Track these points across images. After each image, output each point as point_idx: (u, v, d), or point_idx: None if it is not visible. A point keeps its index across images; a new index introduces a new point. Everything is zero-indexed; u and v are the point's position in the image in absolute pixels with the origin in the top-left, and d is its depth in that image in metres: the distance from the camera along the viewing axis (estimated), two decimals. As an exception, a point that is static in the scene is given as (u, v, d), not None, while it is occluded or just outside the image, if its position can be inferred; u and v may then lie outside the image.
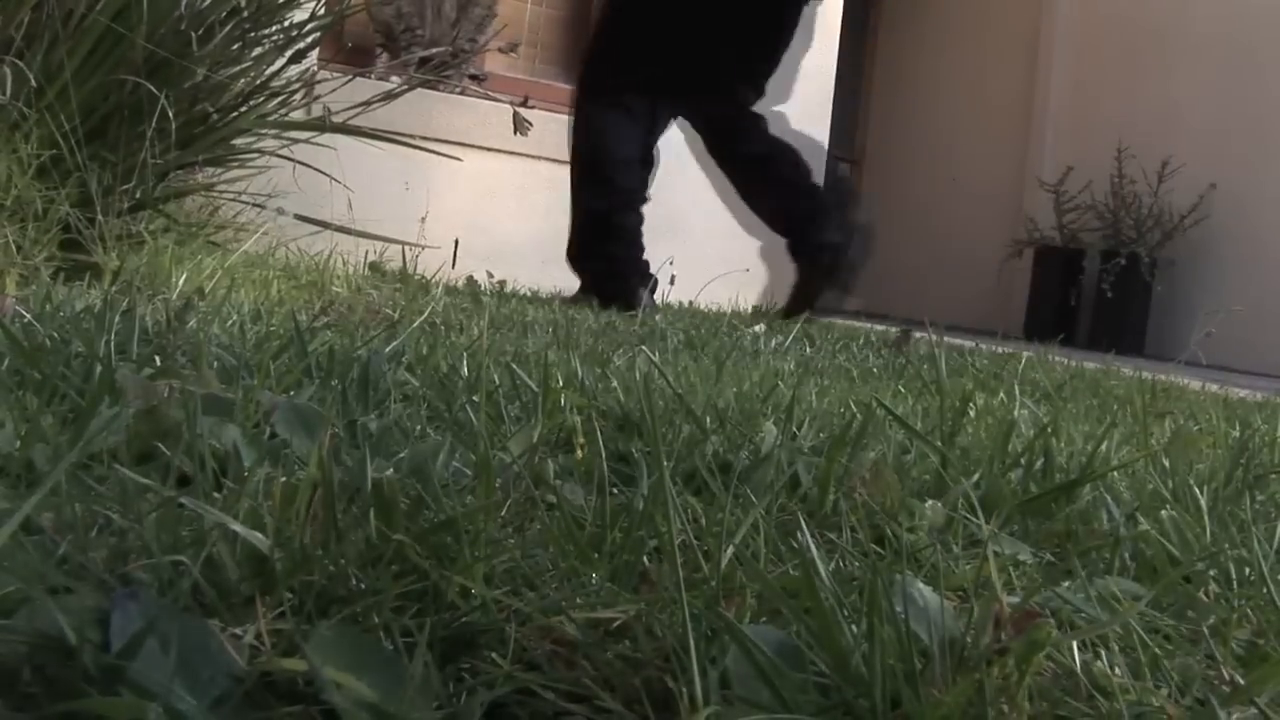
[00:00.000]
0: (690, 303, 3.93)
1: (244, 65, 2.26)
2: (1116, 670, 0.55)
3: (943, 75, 7.78)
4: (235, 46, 2.21)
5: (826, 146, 5.29)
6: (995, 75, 7.52)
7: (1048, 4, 7.24)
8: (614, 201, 3.34)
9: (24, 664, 0.44)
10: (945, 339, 2.73)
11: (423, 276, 3.23)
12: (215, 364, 1.08)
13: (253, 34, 2.24)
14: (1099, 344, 5.40)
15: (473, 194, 4.04)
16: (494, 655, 0.52)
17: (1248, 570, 0.76)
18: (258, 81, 2.31)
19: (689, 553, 0.61)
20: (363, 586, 0.55)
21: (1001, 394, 1.78)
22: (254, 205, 2.47)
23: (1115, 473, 1.06)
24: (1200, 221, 6.20)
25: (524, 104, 2.83)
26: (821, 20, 5.24)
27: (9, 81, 1.85)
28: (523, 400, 1.15)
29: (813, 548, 0.56)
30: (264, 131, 2.36)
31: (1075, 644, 0.55)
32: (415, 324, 1.64)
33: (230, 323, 1.46)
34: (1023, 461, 1.01)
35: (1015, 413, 1.37)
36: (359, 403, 1.04)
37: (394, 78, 2.63)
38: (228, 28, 2.14)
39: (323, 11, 2.44)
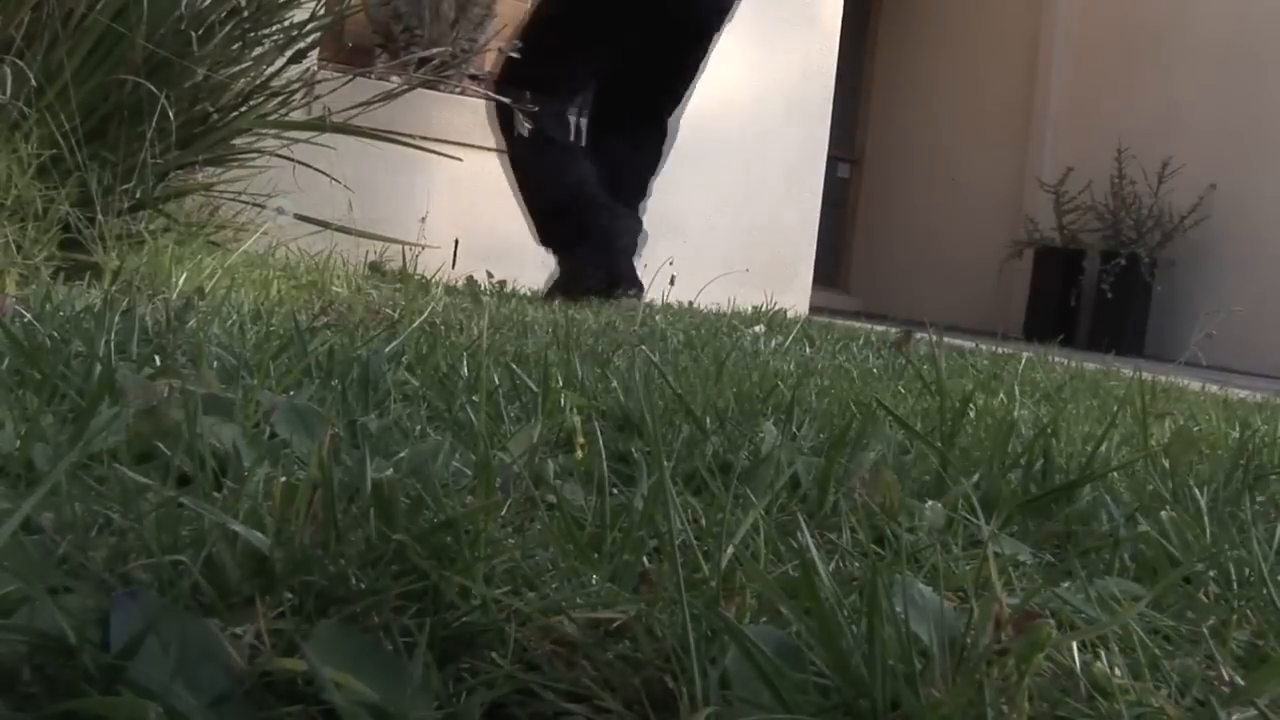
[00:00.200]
0: (690, 303, 3.93)
1: (244, 65, 2.25)
2: (1116, 671, 0.55)
3: (943, 75, 7.78)
4: (235, 46, 2.21)
5: (826, 146, 5.29)
6: (995, 76, 7.52)
7: (1048, 4, 7.25)
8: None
9: (24, 664, 0.44)
10: (945, 339, 2.73)
11: (423, 276, 3.23)
12: (215, 364, 1.08)
13: (253, 34, 2.24)
14: (1099, 344, 5.41)
15: (473, 194, 4.04)
16: (494, 655, 0.52)
17: (1247, 571, 0.76)
18: (258, 81, 2.31)
19: (689, 553, 0.61)
20: (363, 586, 0.55)
21: (1001, 395, 1.78)
22: (254, 205, 2.47)
23: (1115, 473, 1.06)
24: (1200, 222, 6.21)
25: (524, 104, 2.83)
26: (821, 20, 5.25)
27: (9, 81, 1.85)
28: (523, 400, 1.15)
29: (813, 548, 0.56)
30: (264, 131, 2.36)
31: (1075, 644, 0.55)
32: (415, 324, 1.64)
33: (230, 323, 1.46)
34: (1023, 462, 1.01)
35: (1015, 413, 1.37)
36: (359, 403, 1.04)
37: (394, 78, 2.63)
38: (228, 28, 2.14)
39: (323, 11, 2.44)
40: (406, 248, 3.24)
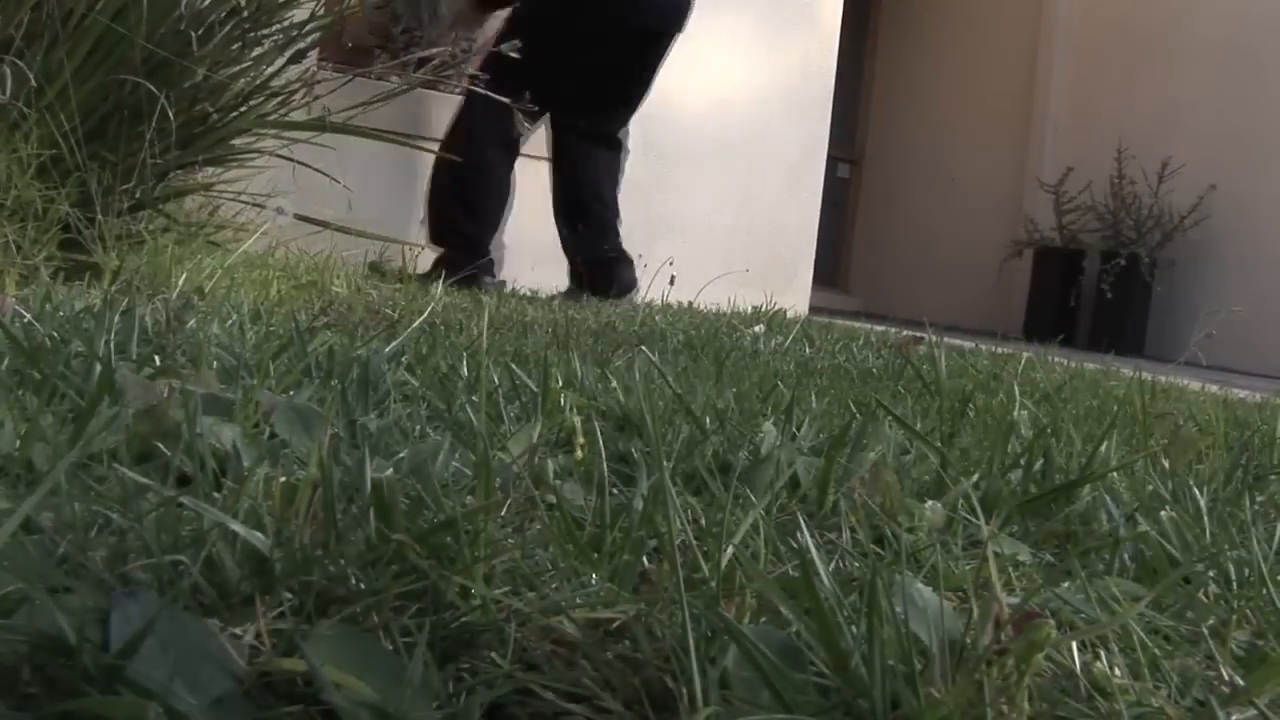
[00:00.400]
0: (690, 303, 3.93)
1: (244, 65, 2.25)
2: (1116, 671, 0.55)
3: (943, 75, 7.78)
4: (235, 46, 2.21)
5: (826, 146, 5.29)
6: (995, 76, 7.52)
7: (1048, 5, 7.25)
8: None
9: (24, 664, 0.44)
10: (945, 339, 2.73)
11: (423, 276, 3.23)
12: (215, 364, 1.08)
13: (253, 34, 2.24)
14: (1099, 344, 5.41)
15: (472, 194, 4.03)
16: (494, 655, 0.52)
17: (1247, 571, 0.76)
18: (257, 82, 2.30)
19: (689, 553, 0.61)
20: (362, 586, 0.55)
21: (1001, 395, 1.78)
22: (254, 205, 2.47)
23: (1115, 473, 1.06)
24: (1200, 222, 6.21)
25: (523, 104, 2.83)
26: (821, 20, 5.25)
27: (9, 81, 1.85)
28: (522, 400, 1.15)
29: (812, 548, 0.56)
30: (264, 131, 2.35)
31: (1075, 644, 0.55)
32: (415, 324, 1.64)
33: (230, 323, 1.46)
34: (1022, 462, 1.01)
35: (1015, 413, 1.37)
36: (359, 403, 1.04)
37: (394, 78, 2.62)
38: (228, 28, 2.14)
39: (322, 11, 2.43)
40: (406, 248, 3.24)
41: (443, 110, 3.99)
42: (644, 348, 1.75)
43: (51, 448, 0.72)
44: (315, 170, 2.56)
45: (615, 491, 0.82)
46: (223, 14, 2.13)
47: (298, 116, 2.37)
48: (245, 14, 2.19)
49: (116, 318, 1.20)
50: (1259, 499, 1.07)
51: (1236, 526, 0.90)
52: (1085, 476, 0.96)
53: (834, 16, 5.29)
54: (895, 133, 8.09)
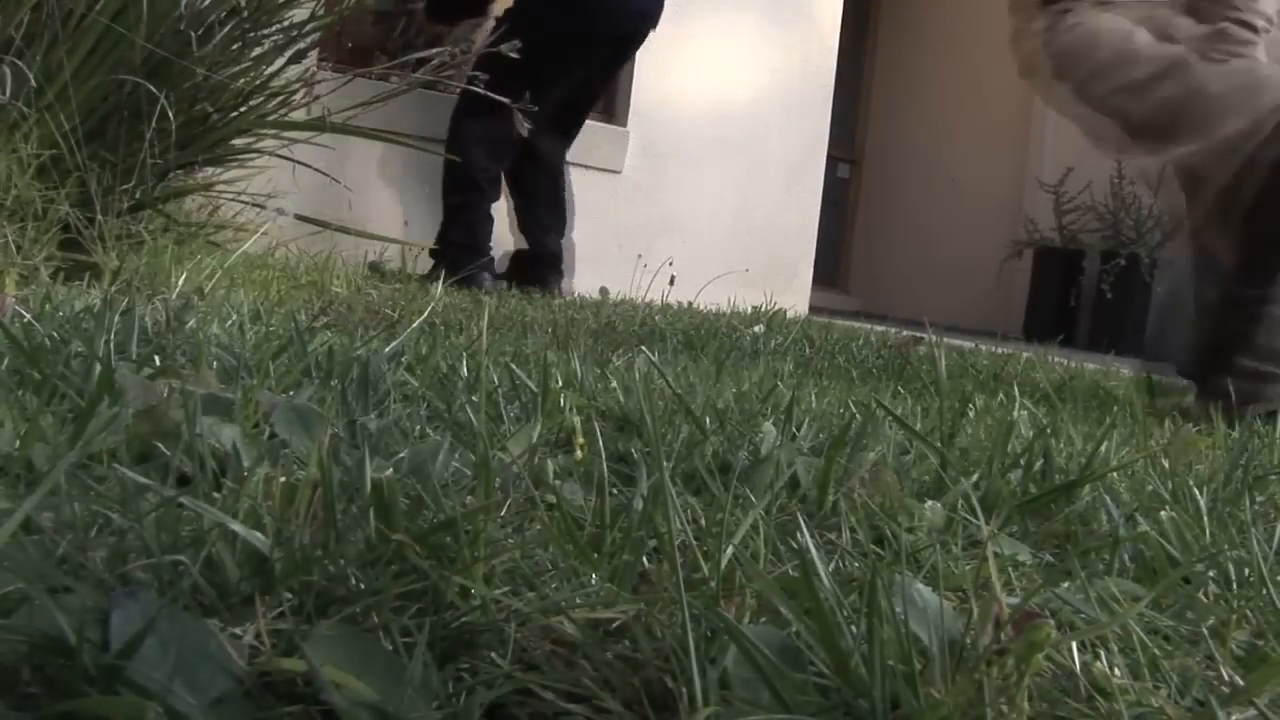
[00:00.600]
0: (690, 303, 3.93)
1: (244, 65, 2.25)
2: (1116, 671, 0.55)
3: (943, 75, 7.78)
4: (235, 46, 2.21)
5: (826, 146, 5.29)
6: (995, 75, 7.51)
7: (1048, 5, 7.23)
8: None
9: (24, 664, 0.44)
10: (945, 339, 2.73)
11: (423, 276, 3.23)
12: (215, 364, 1.08)
13: (252, 34, 2.24)
14: (1099, 345, 5.41)
15: (472, 194, 4.04)
16: (494, 655, 0.52)
17: (1247, 571, 0.76)
18: (257, 82, 2.30)
19: (689, 553, 0.61)
20: (362, 586, 0.55)
21: (1001, 395, 1.78)
22: (254, 205, 2.47)
23: (1115, 474, 1.06)
24: (1200, 222, 6.19)
25: (524, 104, 2.83)
26: (821, 20, 5.25)
27: (9, 81, 1.85)
28: (522, 400, 1.15)
29: (812, 548, 0.56)
30: (264, 131, 2.35)
31: (1075, 644, 0.55)
32: (415, 324, 1.64)
33: (230, 323, 1.46)
34: (1022, 462, 1.01)
35: (1015, 413, 1.37)
36: (359, 403, 1.04)
37: (394, 78, 2.62)
38: (227, 28, 2.14)
39: (322, 11, 2.43)
40: (406, 248, 3.25)
41: (443, 110, 3.99)
42: (644, 348, 1.75)
43: (51, 448, 0.72)
44: (315, 170, 2.56)
45: (615, 491, 0.82)
46: (223, 14, 2.13)
47: (298, 116, 2.37)
48: (245, 14, 2.19)
49: (116, 318, 1.20)
50: (1259, 499, 1.07)
51: (1236, 526, 0.90)
52: (1085, 476, 0.96)
53: (834, 16, 5.29)
54: (895, 133, 8.08)
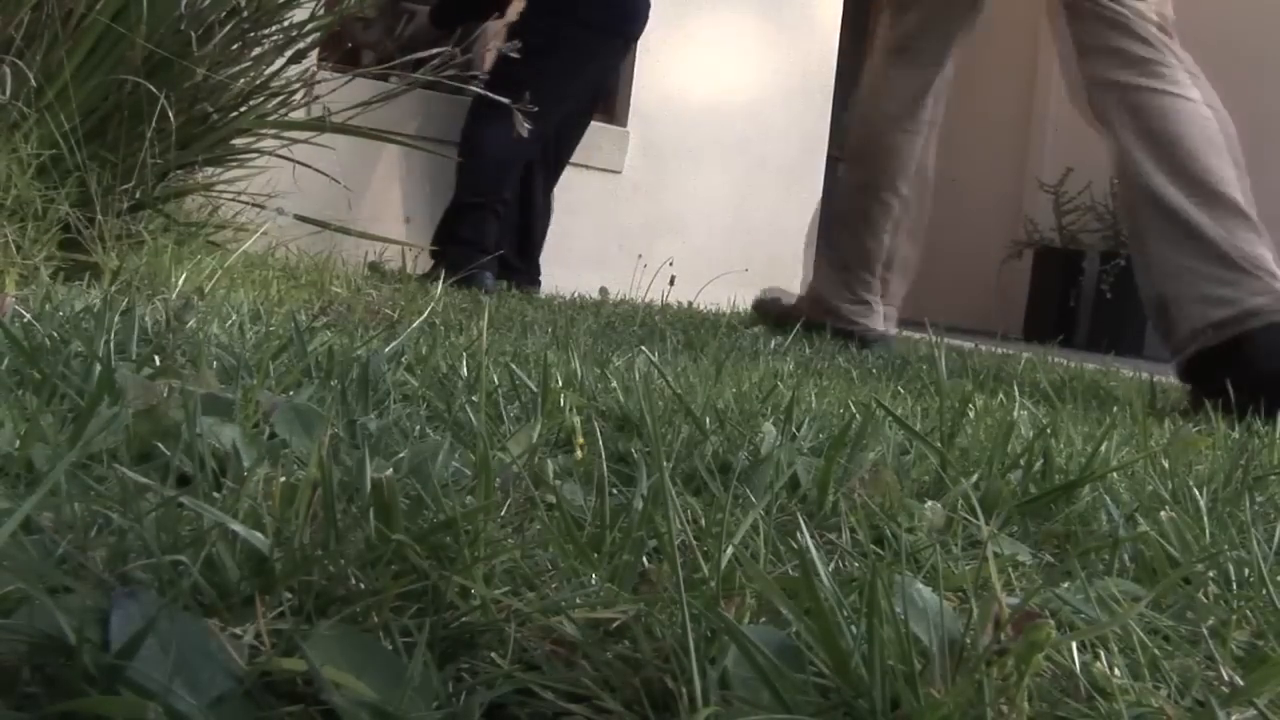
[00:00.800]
0: (690, 303, 3.93)
1: (244, 65, 2.25)
2: (1116, 671, 0.55)
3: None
4: (235, 46, 2.21)
5: (826, 146, 5.29)
6: (995, 75, 7.51)
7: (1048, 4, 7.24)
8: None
9: (24, 664, 0.44)
10: (945, 339, 2.73)
11: (422, 276, 3.23)
12: (215, 364, 1.08)
13: (253, 34, 2.24)
14: (1098, 345, 5.41)
15: (472, 194, 4.04)
16: (494, 655, 0.52)
17: (1247, 571, 0.76)
18: (257, 82, 2.30)
19: (689, 553, 0.61)
20: (362, 586, 0.55)
21: (1001, 395, 1.78)
22: (253, 205, 2.47)
23: (1115, 474, 1.06)
24: (1200, 222, 6.20)
25: (524, 104, 2.83)
26: (821, 20, 5.25)
27: (9, 81, 1.85)
28: (522, 400, 1.15)
29: (812, 548, 0.56)
30: (264, 131, 2.35)
31: (1075, 645, 0.55)
32: (415, 324, 1.64)
33: (230, 323, 1.46)
34: (1022, 462, 1.01)
35: (1015, 414, 1.37)
36: (359, 403, 1.04)
37: (394, 78, 2.62)
38: (228, 28, 2.14)
39: (322, 12, 2.43)
40: (406, 248, 3.24)
41: (443, 110, 3.99)
42: (644, 348, 1.75)
43: (51, 448, 0.72)
44: (315, 170, 2.56)
45: (615, 491, 0.82)
46: (223, 14, 2.13)
47: (297, 116, 2.37)
48: (245, 14, 2.19)
49: (116, 318, 1.20)
50: (1258, 500, 1.07)
51: (1236, 526, 0.90)
52: (1085, 476, 0.96)
53: (834, 16, 5.29)
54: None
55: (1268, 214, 6.30)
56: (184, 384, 0.88)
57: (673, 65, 4.73)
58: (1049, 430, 1.08)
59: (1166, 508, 0.90)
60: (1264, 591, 0.71)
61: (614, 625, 0.54)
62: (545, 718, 0.49)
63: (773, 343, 2.48)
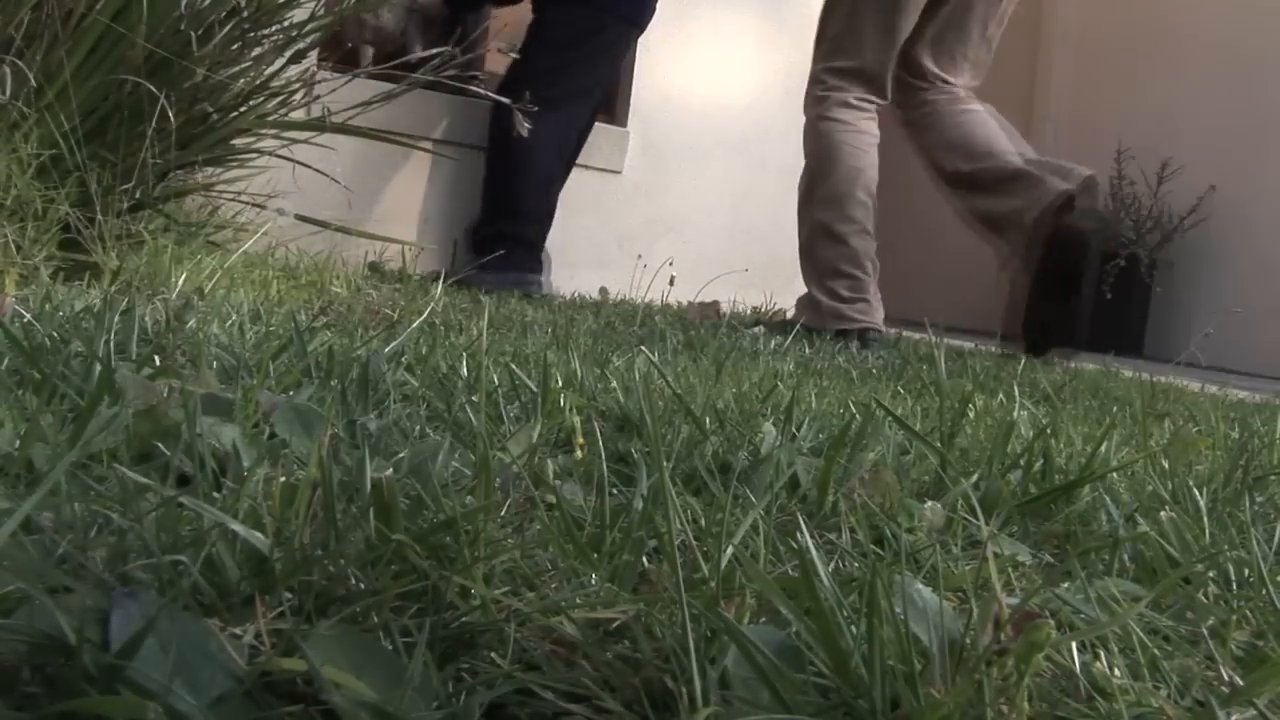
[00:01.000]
0: (690, 303, 3.93)
1: (244, 65, 2.25)
2: (1116, 671, 0.55)
3: (942, 76, 7.77)
4: (235, 47, 2.21)
5: (826, 147, 5.28)
6: (995, 75, 7.50)
7: (1048, 4, 7.24)
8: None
9: (24, 663, 0.44)
10: (945, 340, 2.73)
11: (422, 277, 3.23)
12: (215, 364, 1.08)
13: (252, 34, 2.24)
14: (1098, 345, 5.41)
15: (472, 194, 4.03)
16: (494, 655, 0.52)
17: (1247, 571, 0.76)
18: (257, 82, 2.30)
19: (689, 553, 0.61)
20: (362, 586, 0.55)
21: (1001, 395, 1.78)
22: (254, 205, 2.47)
23: (1114, 474, 1.06)
24: (1200, 223, 6.20)
25: (524, 104, 2.83)
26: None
27: (9, 81, 1.85)
28: (522, 400, 1.15)
29: (812, 548, 0.56)
30: (264, 131, 2.35)
31: (1075, 645, 0.55)
32: (415, 324, 1.64)
33: (230, 323, 1.46)
34: (1022, 462, 1.01)
35: (1015, 414, 1.37)
36: (359, 403, 1.04)
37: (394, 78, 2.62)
38: (228, 28, 2.14)
39: (322, 12, 2.43)
40: (406, 248, 3.24)
41: (443, 110, 3.99)
42: (644, 348, 1.75)
43: (51, 448, 0.72)
44: (315, 170, 2.56)
45: (615, 491, 0.82)
46: (223, 14, 2.13)
47: (297, 116, 2.37)
48: (245, 14, 2.19)
49: (116, 318, 1.20)
50: (1259, 499, 1.07)
51: (1236, 527, 0.90)
52: (1085, 477, 0.96)
53: (834, 17, 5.28)
54: (895, 132, 8.07)
55: (1268, 216, 6.29)
56: (184, 384, 0.88)
57: (673, 65, 4.72)
58: (1049, 430, 1.08)
59: (1166, 508, 0.90)
60: (1264, 591, 0.71)
61: (614, 625, 0.54)
62: (545, 718, 0.49)
63: (773, 343, 2.48)
